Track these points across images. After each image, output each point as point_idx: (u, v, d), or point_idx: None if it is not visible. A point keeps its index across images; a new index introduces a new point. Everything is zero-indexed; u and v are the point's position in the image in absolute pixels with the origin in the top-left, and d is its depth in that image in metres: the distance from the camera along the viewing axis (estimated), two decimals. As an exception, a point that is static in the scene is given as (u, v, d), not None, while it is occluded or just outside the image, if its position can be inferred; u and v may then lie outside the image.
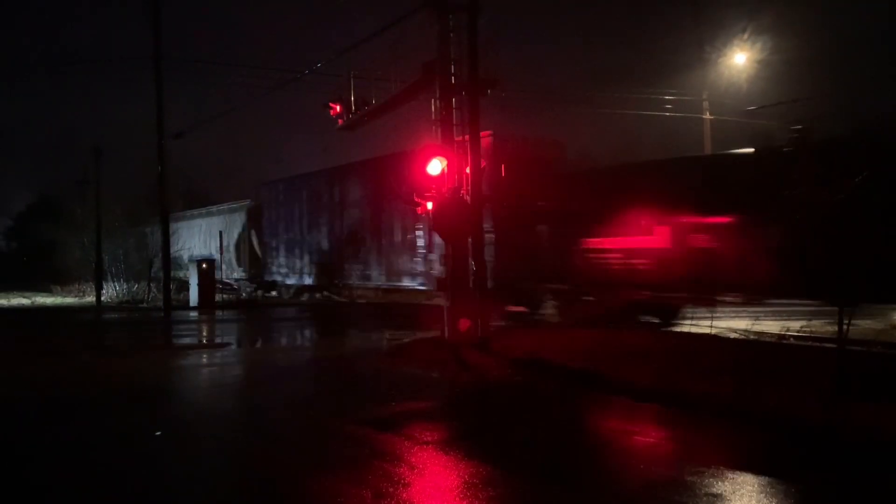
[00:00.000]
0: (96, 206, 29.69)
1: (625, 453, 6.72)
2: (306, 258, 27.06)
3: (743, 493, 5.34)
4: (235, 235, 32.17)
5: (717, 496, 5.27)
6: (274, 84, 29.87)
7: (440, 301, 13.49)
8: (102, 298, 29.48)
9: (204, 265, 25.56)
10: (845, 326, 7.94)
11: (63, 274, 36.66)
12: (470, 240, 12.37)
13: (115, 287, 31.24)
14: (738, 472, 5.82)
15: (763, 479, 5.66)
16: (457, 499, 5.35)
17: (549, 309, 16.26)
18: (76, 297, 33.96)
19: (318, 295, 27.19)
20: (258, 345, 16.01)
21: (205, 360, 13.90)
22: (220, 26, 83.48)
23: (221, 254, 30.46)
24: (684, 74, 28.62)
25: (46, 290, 37.26)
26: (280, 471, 6.14)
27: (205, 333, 18.80)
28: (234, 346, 15.14)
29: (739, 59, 26.30)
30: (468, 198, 12.23)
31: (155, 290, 27.86)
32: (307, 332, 18.10)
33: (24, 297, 34.44)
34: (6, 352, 14.73)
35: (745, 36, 25.97)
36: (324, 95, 16.89)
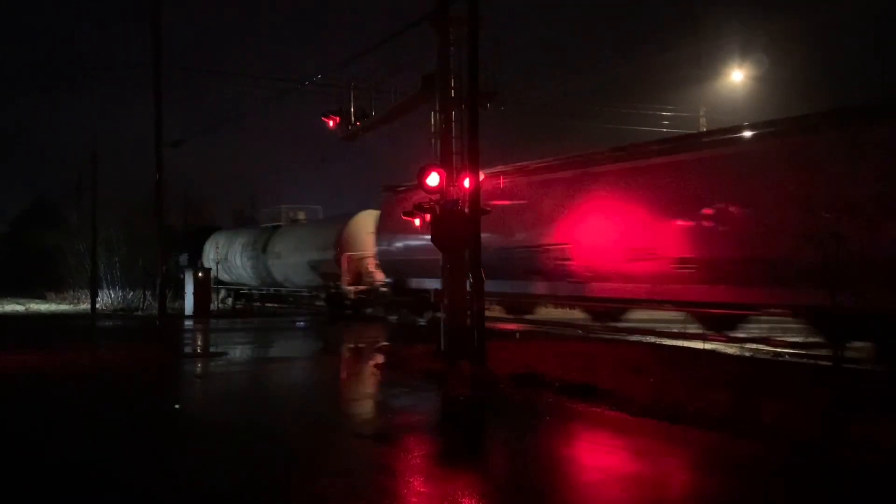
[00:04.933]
0: (92, 212, 29.62)
1: (623, 470, 6.68)
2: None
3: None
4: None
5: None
6: (273, 94, 30.02)
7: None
8: (97, 306, 29.37)
9: (200, 274, 25.48)
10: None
11: (58, 281, 36.56)
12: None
13: (110, 294, 31.16)
14: (732, 490, 5.81)
15: (761, 499, 5.65)
16: (453, 513, 5.32)
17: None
18: (71, 304, 33.86)
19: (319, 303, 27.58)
20: (252, 354, 15.96)
21: (199, 370, 13.85)
22: (220, 37, 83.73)
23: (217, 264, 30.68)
24: (682, 90, 28.80)
25: (41, 297, 37.12)
26: (273, 483, 6.08)
27: (199, 342, 18.74)
28: (228, 356, 15.07)
29: (737, 77, 26.53)
30: (467, 210, 12.23)
31: (150, 297, 27.79)
32: (300, 341, 18.06)
33: (19, 303, 34.30)
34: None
35: (743, 53, 26.20)
36: (323, 106, 16.94)
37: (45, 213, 45.91)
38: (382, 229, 21.62)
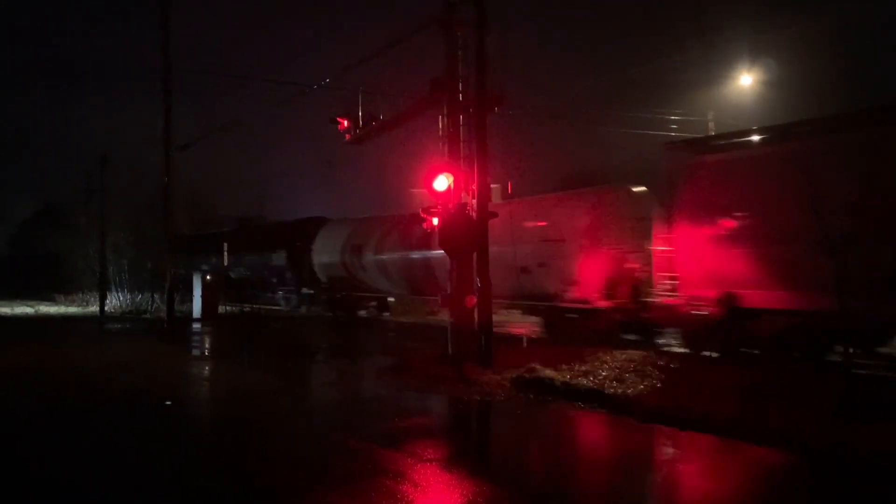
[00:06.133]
0: (101, 215, 29.73)
1: (630, 475, 6.68)
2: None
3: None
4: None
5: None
6: (281, 97, 30.04)
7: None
8: (106, 308, 29.49)
9: (208, 277, 25.52)
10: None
11: (67, 283, 36.70)
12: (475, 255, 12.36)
13: (119, 297, 31.27)
14: (739, 494, 5.78)
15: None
16: (459, 517, 5.32)
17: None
18: (79, 306, 33.99)
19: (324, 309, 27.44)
20: (261, 357, 15.96)
21: (207, 371, 13.89)
22: (229, 40, 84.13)
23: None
24: (690, 94, 28.73)
25: (50, 299, 37.28)
26: (280, 485, 6.10)
27: (206, 345, 18.77)
28: (236, 357, 15.10)
29: (745, 81, 26.45)
30: (474, 214, 12.24)
31: (158, 300, 27.87)
32: (308, 345, 18.03)
33: (28, 305, 34.47)
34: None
35: (751, 56, 26.15)
36: (331, 109, 16.95)
37: (54, 215, 46.10)
38: (689, 210, 12.98)
